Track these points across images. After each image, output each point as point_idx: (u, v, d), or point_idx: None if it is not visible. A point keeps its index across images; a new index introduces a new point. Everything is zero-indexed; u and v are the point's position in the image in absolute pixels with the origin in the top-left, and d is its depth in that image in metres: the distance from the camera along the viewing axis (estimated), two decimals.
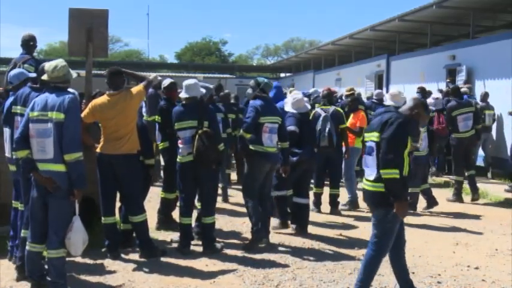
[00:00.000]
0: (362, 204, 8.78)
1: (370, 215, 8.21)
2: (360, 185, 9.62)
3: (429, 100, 10.93)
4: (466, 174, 9.54)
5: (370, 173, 4.44)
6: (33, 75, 5.49)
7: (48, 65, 4.71)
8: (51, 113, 4.46)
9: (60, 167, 4.47)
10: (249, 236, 6.66)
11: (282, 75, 38.63)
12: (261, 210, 6.35)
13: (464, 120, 9.51)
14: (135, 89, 5.76)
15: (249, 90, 6.69)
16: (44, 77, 4.76)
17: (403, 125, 4.29)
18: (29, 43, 6.98)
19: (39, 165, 4.51)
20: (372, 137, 4.43)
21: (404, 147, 4.30)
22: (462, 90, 11.87)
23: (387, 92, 17.33)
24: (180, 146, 6.03)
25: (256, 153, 6.30)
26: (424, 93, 12.11)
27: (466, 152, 9.66)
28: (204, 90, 6.29)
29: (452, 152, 9.95)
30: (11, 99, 5.36)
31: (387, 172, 4.23)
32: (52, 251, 4.54)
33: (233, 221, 7.64)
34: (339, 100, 12.04)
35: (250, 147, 6.31)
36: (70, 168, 4.47)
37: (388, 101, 8.28)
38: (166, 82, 7.20)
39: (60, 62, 4.72)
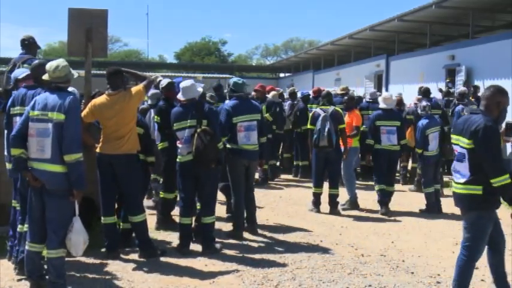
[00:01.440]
0: (362, 204, 8.79)
1: (369, 215, 8.30)
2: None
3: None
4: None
5: (461, 176, 4.35)
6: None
7: (49, 65, 4.70)
8: (52, 113, 4.46)
9: (57, 168, 4.46)
10: (247, 235, 6.69)
11: (282, 75, 38.69)
12: (247, 203, 6.83)
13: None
14: (135, 88, 5.76)
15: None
16: (45, 76, 4.75)
17: (494, 129, 4.21)
18: (24, 42, 6.96)
19: (36, 165, 4.50)
20: (461, 143, 4.35)
21: (500, 146, 4.27)
22: (460, 90, 11.92)
23: (387, 92, 17.38)
24: (180, 145, 6.03)
25: (232, 150, 6.65)
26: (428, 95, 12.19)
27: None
28: (201, 89, 6.31)
29: None
30: (9, 101, 5.36)
31: (499, 180, 4.17)
32: (52, 250, 4.53)
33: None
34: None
35: (227, 145, 6.62)
36: (70, 169, 4.45)
37: (381, 103, 8.69)
38: (164, 82, 7.19)
39: (61, 62, 4.72)
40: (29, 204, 4.65)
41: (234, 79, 6.99)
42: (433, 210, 8.49)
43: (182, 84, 6.15)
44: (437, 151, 8.54)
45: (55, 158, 4.45)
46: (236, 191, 6.75)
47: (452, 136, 4.53)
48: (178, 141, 6.07)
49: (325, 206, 8.43)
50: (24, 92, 5.18)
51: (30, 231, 4.67)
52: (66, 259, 4.76)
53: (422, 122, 8.61)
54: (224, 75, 31.31)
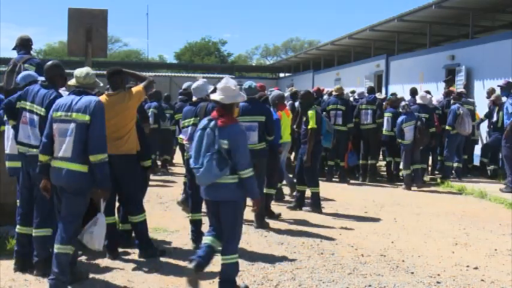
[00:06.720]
0: (362, 204, 8.79)
1: (369, 215, 8.31)
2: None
3: (417, 97, 11.50)
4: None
5: None
6: (42, 78, 5.46)
7: (79, 72, 4.88)
8: (76, 114, 4.61)
9: (77, 167, 4.60)
10: (247, 236, 6.69)
11: (282, 75, 38.65)
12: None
13: None
14: (135, 89, 5.76)
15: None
16: (72, 82, 4.93)
17: None
18: (28, 43, 6.98)
19: (56, 163, 4.64)
20: None
21: None
22: (460, 90, 11.94)
23: (386, 92, 17.42)
24: (185, 143, 6.15)
25: None
26: (415, 94, 12.46)
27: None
28: (212, 87, 6.37)
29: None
30: (15, 95, 5.34)
31: None
32: (60, 245, 4.59)
33: None
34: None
35: None
36: (95, 169, 4.61)
37: (418, 100, 11.18)
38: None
39: (89, 69, 4.95)
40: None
41: (247, 84, 7.28)
42: (408, 185, 10.43)
43: (194, 84, 6.30)
44: (410, 140, 10.37)
45: (75, 157, 4.59)
46: None
47: None
48: (184, 139, 6.20)
49: (325, 206, 8.43)
50: (37, 89, 5.19)
51: (35, 216, 5.04)
52: None
53: (401, 117, 10.49)
54: (224, 76, 31.33)
